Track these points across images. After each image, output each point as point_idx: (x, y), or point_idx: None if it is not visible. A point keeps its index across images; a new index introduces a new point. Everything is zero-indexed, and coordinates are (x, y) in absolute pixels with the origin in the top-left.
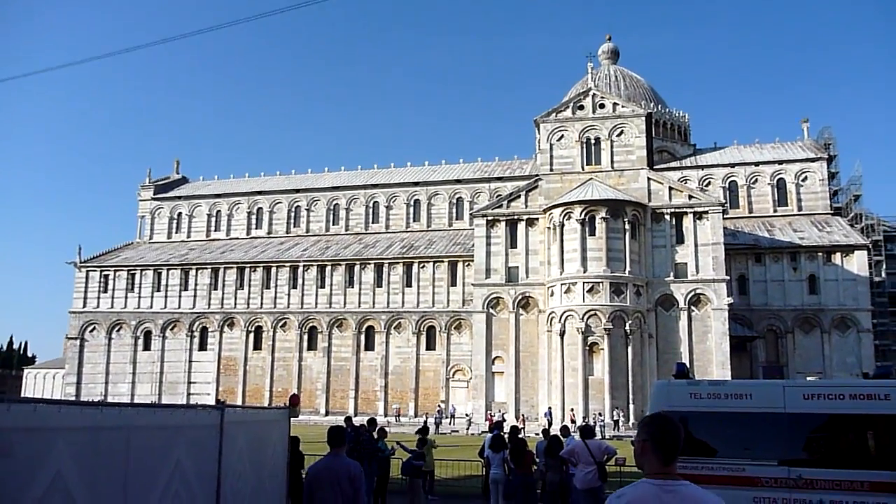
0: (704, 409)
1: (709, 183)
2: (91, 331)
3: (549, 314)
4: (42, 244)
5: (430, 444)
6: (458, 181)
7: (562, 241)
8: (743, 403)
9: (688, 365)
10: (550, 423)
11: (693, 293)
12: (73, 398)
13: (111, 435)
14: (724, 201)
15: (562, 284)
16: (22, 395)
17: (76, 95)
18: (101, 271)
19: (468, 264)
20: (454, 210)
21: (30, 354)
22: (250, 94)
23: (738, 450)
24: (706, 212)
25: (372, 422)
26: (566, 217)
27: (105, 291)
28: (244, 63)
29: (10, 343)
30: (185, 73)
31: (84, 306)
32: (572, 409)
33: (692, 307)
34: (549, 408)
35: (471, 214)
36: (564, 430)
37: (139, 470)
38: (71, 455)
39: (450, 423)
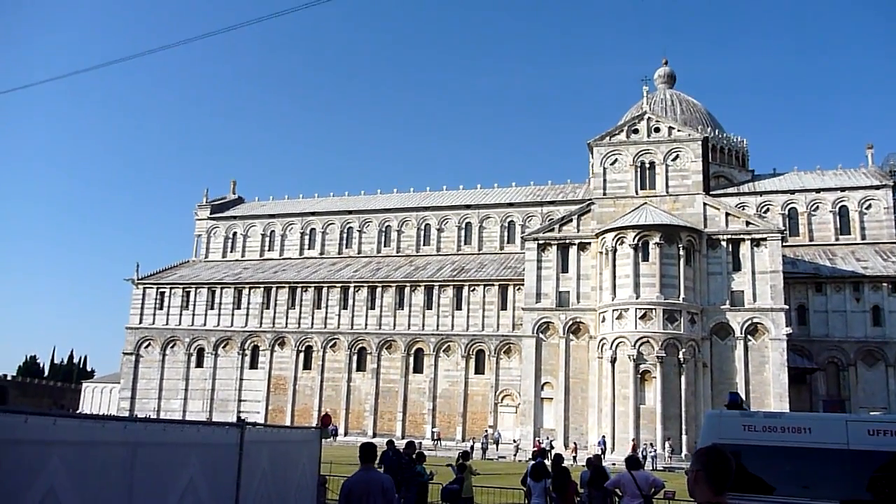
0: (759, 442)
1: (767, 209)
2: (146, 346)
3: (600, 340)
4: (104, 261)
5: (470, 469)
6: (510, 205)
7: (614, 266)
8: (801, 438)
9: (742, 396)
10: (604, 452)
11: (750, 322)
12: (127, 413)
13: (114, 451)
14: (783, 228)
15: (613, 310)
16: (79, 408)
17: (138, 115)
18: (158, 288)
19: (518, 288)
20: (505, 233)
21: (89, 369)
22: (306, 117)
23: (796, 488)
24: (764, 239)
25: (410, 445)
26: (619, 242)
27: (161, 308)
28: (301, 86)
29: (71, 357)
30: (244, 96)
31: (140, 322)
32: (634, 439)
33: (749, 336)
34: (603, 436)
35: (522, 238)
36: (597, 459)
37: (145, 489)
38: (66, 471)
39: (495, 449)
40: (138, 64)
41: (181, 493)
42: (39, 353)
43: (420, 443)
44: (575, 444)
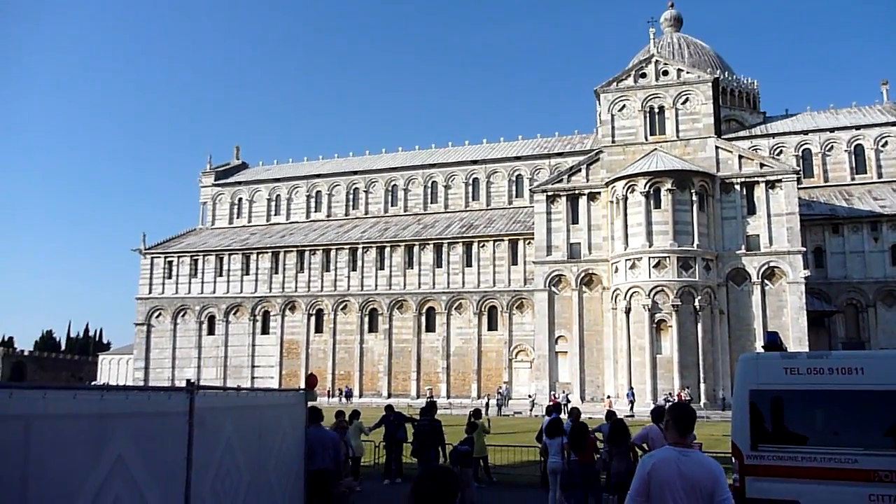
0: (804, 386)
1: (780, 152)
2: (157, 316)
3: (614, 291)
4: (113, 232)
5: (482, 427)
6: (518, 158)
7: (625, 214)
8: (853, 380)
9: (763, 340)
10: (632, 404)
11: (766, 266)
12: (142, 383)
13: (10, 426)
14: (798, 169)
15: (626, 260)
16: (97, 381)
17: (138, 85)
18: (166, 258)
19: (529, 242)
20: (514, 188)
21: (105, 341)
22: (307, 79)
23: (849, 436)
24: (779, 181)
25: (432, 406)
26: (630, 190)
27: (169, 277)
28: (299, 48)
29: (87, 330)
30: (242, 60)
31: (150, 293)
32: (687, 388)
33: (766, 281)
34: (631, 388)
35: (530, 190)
36: (575, 412)
37: (48, 473)
38: None
39: (503, 406)
40: (137, 33)
41: (105, 475)
42: (55, 327)
43: (435, 402)
44: (609, 397)
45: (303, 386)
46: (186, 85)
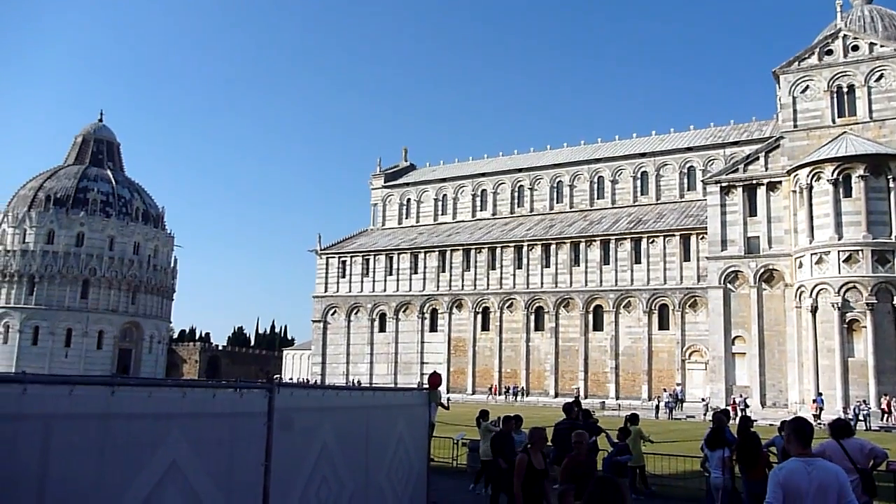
0: None
1: None
2: (332, 314)
3: (798, 288)
4: (295, 235)
5: (638, 433)
6: (689, 149)
7: (810, 205)
8: None
9: None
10: (820, 411)
11: None
12: (319, 378)
13: (23, 427)
14: None
15: (812, 254)
16: (282, 374)
17: (313, 94)
18: (339, 257)
19: (702, 237)
20: (685, 180)
21: (289, 337)
22: (471, 78)
23: None
24: None
25: (570, 407)
26: (815, 178)
27: (343, 276)
28: (464, 47)
29: (273, 327)
30: (408, 62)
31: (325, 291)
32: (886, 395)
33: None
34: (820, 393)
35: (703, 181)
36: (745, 420)
37: (71, 482)
38: None
39: (674, 409)
40: (305, 43)
41: (153, 484)
42: (245, 324)
43: (603, 402)
44: (815, 401)
45: (435, 385)
46: (357, 91)
